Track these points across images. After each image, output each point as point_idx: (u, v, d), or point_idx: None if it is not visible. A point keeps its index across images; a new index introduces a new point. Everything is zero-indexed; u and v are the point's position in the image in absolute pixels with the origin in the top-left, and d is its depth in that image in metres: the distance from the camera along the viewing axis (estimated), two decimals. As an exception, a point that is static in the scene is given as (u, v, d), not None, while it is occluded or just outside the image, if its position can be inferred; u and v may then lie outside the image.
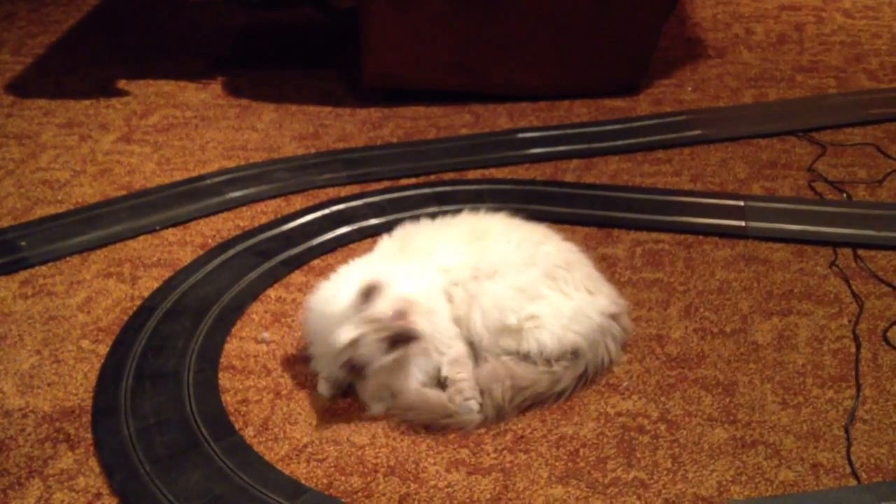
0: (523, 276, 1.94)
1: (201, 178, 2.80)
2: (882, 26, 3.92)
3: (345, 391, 1.92)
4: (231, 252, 2.41)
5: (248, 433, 1.83)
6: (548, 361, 1.88)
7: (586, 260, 2.08)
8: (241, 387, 1.96)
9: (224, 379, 1.98)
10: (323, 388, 1.91)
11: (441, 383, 1.89)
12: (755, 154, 2.89)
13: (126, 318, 2.17)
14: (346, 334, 1.77)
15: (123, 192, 2.75)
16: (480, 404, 1.82)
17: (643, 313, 2.14)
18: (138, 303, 2.23)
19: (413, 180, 2.77)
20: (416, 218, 2.17)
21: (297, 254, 2.41)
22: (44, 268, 2.38)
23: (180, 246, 2.47)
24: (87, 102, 3.37)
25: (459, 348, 1.92)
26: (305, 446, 1.80)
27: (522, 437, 1.80)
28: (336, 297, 1.84)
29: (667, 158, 2.88)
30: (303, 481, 1.71)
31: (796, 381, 1.92)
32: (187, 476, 1.72)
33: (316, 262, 2.38)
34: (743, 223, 2.47)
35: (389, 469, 1.73)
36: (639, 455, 1.75)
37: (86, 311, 2.21)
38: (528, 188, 2.71)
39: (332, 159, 2.90)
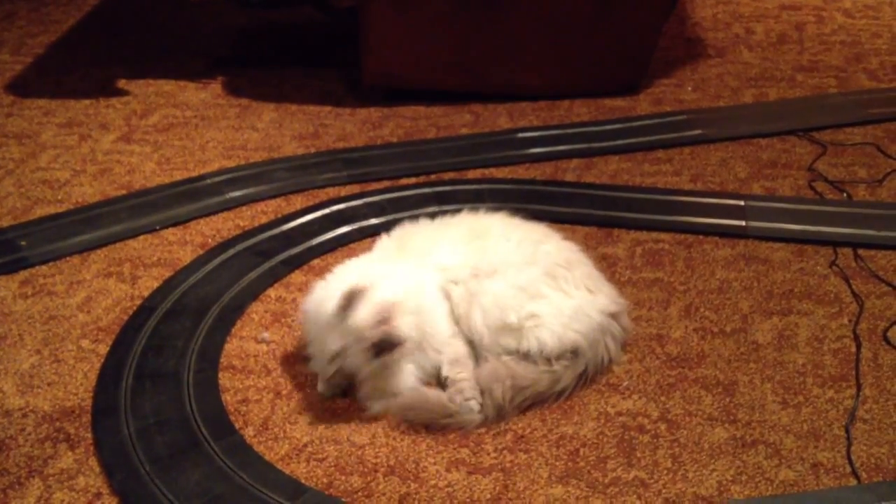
0: (524, 274, 1.94)
1: (201, 177, 2.80)
2: (882, 26, 3.92)
3: (345, 391, 1.91)
4: (231, 252, 2.41)
5: (248, 433, 1.83)
6: (548, 360, 1.88)
7: (586, 259, 2.09)
8: (241, 386, 1.96)
9: (224, 379, 1.98)
10: (323, 387, 1.91)
11: (441, 383, 1.89)
12: (755, 154, 2.89)
13: (126, 317, 2.17)
14: (330, 345, 1.78)
15: (123, 192, 2.75)
16: (481, 404, 1.82)
17: (643, 313, 2.14)
18: (138, 302, 2.23)
19: (413, 180, 2.77)
20: (416, 217, 2.17)
21: (297, 253, 2.41)
22: (44, 267, 2.38)
23: (180, 245, 2.47)
24: (87, 102, 3.37)
25: (459, 347, 1.92)
26: (305, 446, 1.79)
27: (522, 436, 1.80)
28: (329, 298, 1.85)
29: (667, 158, 2.88)
30: (303, 481, 1.71)
31: (796, 381, 1.92)
32: (187, 476, 1.71)
33: (316, 261, 2.38)
34: (743, 223, 2.47)
35: (389, 469, 1.73)
36: (639, 455, 1.75)
37: (86, 311, 2.21)
38: (528, 188, 2.71)
39: (333, 159, 2.90)
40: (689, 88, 3.37)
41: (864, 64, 3.54)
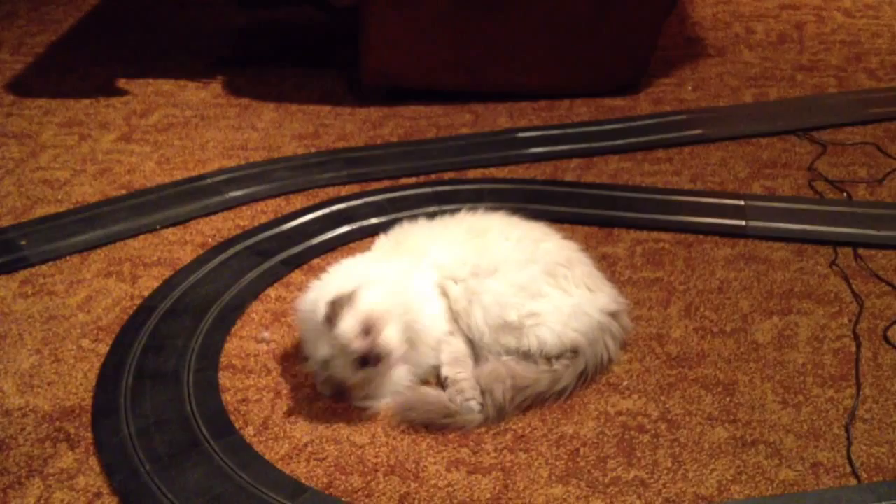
0: (524, 273, 1.94)
1: (201, 177, 2.80)
2: (882, 25, 3.92)
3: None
4: (231, 251, 2.41)
5: (249, 432, 1.83)
6: (548, 359, 1.88)
7: (586, 258, 2.09)
8: (241, 386, 1.96)
9: (224, 378, 1.98)
10: (322, 387, 1.91)
11: (441, 382, 1.89)
12: (755, 153, 2.89)
13: (126, 317, 2.17)
14: (320, 352, 1.79)
15: (123, 192, 2.75)
16: (481, 404, 1.82)
17: (643, 312, 2.14)
18: (138, 302, 2.23)
19: (413, 179, 2.77)
20: (416, 217, 2.17)
21: (297, 253, 2.41)
22: (44, 267, 2.38)
23: (180, 245, 2.47)
24: (86, 102, 3.37)
25: (458, 346, 1.92)
26: (305, 445, 1.79)
27: (522, 436, 1.80)
28: (322, 299, 1.84)
29: (667, 158, 2.88)
30: (303, 480, 1.71)
31: (796, 381, 1.92)
32: (187, 475, 1.71)
33: (316, 261, 2.38)
34: (743, 222, 2.47)
35: (389, 468, 1.73)
36: (639, 454, 1.75)
37: (86, 311, 2.21)
38: (528, 187, 2.71)
39: (333, 158, 2.90)
40: (689, 88, 3.37)
41: (864, 63, 3.54)
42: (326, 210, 2.59)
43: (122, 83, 3.52)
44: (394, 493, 1.68)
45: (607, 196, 2.65)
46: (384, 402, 1.86)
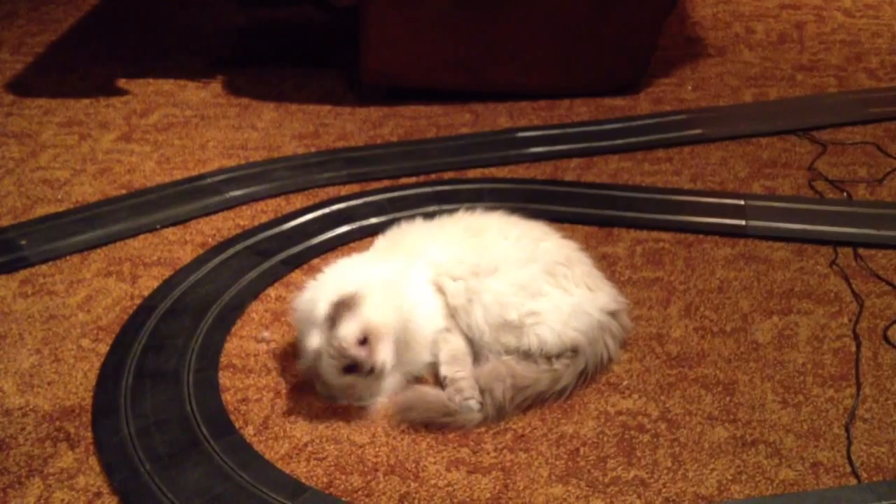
0: (524, 272, 1.94)
1: (201, 176, 2.80)
2: (882, 25, 3.92)
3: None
4: (231, 251, 2.41)
5: (248, 432, 1.83)
6: (548, 359, 1.88)
7: (585, 257, 2.09)
8: (241, 385, 1.96)
9: (224, 378, 1.98)
10: (322, 387, 1.91)
11: (440, 382, 1.89)
12: (755, 153, 2.88)
13: (126, 316, 2.17)
14: (310, 342, 1.79)
15: (123, 191, 2.75)
16: (481, 403, 1.82)
17: (643, 312, 2.14)
18: (138, 302, 2.23)
19: (413, 179, 2.77)
20: (415, 217, 2.17)
21: (297, 253, 2.41)
22: (44, 267, 2.38)
23: (180, 245, 2.47)
24: (86, 101, 3.37)
25: (457, 344, 1.92)
26: (305, 445, 1.79)
27: (522, 435, 1.80)
28: (316, 300, 1.84)
29: (667, 157, 2.88)
30: (303, 480, 1.71)
31: (796, 380, 1.92)
32: (187, 475, 1.71)
33: (316, 261, 2.38)
34: (743, 222, 2.47)
35: (389, 468, 1.73)
36: (639, 454, 1.75)
37: (86, 310, 2.21)
38: (528, 187, 2.71)
39: (333, 158, 2.90)
40: (689, 88, 3.37)
41: (864, 63, 3.54)
42: (326, 210, 2.59)
43: (122, 83, 3.52)
44: (394, 492, 1.68)
45: (607, 196, 2.65)
46: (372, 402, 1.85)
